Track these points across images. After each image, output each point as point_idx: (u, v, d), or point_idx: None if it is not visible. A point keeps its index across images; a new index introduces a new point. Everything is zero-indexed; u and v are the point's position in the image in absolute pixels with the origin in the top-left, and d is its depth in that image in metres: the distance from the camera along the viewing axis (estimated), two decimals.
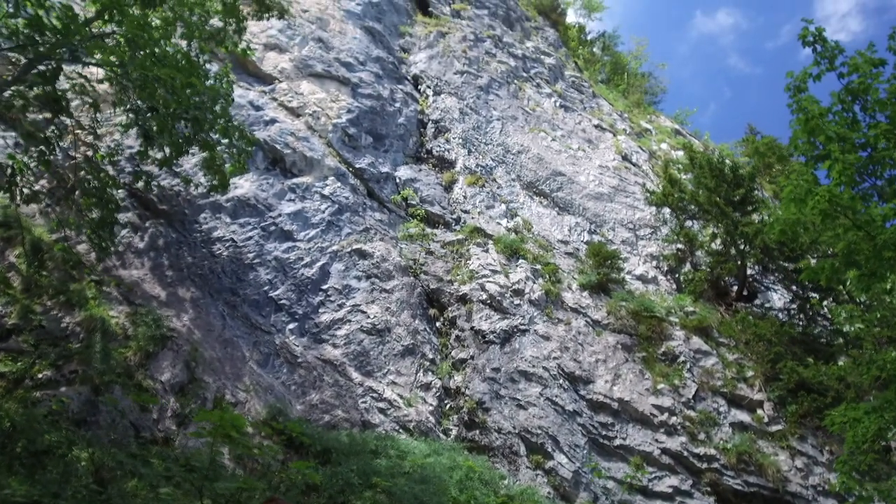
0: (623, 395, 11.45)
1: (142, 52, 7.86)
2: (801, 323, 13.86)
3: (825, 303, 14.01)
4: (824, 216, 7.90)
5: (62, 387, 7.52)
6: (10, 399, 6.88)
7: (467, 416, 10.51)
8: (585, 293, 13.25)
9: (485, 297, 12.36)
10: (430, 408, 10.65)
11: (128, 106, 8.26)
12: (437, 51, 19.33)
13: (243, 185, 12.37)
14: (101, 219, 9.17)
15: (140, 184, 10.46)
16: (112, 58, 7.99)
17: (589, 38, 33.14)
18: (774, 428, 11.76)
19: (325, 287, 11.71)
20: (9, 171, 9.68)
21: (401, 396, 10.60)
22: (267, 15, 10.36)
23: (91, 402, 7.53)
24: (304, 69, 15.58)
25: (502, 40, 22.15)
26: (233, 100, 10.14)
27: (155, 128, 8.01)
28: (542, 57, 23.39)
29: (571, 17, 34.76)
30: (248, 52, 10.43)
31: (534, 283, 12.92)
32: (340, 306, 11.56)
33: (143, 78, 6.40)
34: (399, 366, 11.06)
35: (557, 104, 20.98)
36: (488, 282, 12.62)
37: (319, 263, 11.98)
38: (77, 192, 10.75)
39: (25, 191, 9.91)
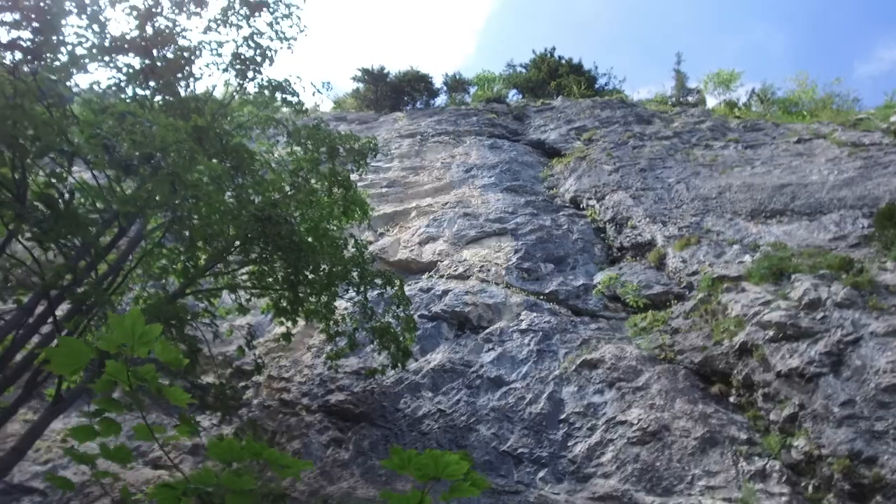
0: None
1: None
2: None
3: None
4: None
5: None
6: None
7: (845, 482, 6.42)
8: None
9: (772, 333, 8.71)
10: (784, 499, 6.75)
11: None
12: (583, 169, 18.09)
13: (435, 358, 10.92)
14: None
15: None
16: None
17: (741, 103, 30.20)
18: None
19: (562, 417, 9.05)
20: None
21: (729, 501, 6.92)
22: (364, 163, 10.01)
23: None
24: (460, 241, 14.97)
25: (644, 133, 20.51)
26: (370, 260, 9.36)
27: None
28: (697, 126, 21.08)
29: (712, 102, 32.43)
30: (368, 207, 9.96)
31: (828, 287, 9.05)
32: (592, 429, 8.69)
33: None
34: (705, 465, 7.53)
35: (739, 147, 17.96)
36: (766, 315, 9.05)
37: (545, 395, 9.51)
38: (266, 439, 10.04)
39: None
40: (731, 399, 8.66)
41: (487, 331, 11.44)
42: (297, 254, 6.69)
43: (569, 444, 8.54)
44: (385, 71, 31.41)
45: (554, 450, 8.48)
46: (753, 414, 8.16)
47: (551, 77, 31.38)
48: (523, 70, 33.41)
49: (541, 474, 8.14)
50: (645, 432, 8.19)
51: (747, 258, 11.30)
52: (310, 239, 7.07)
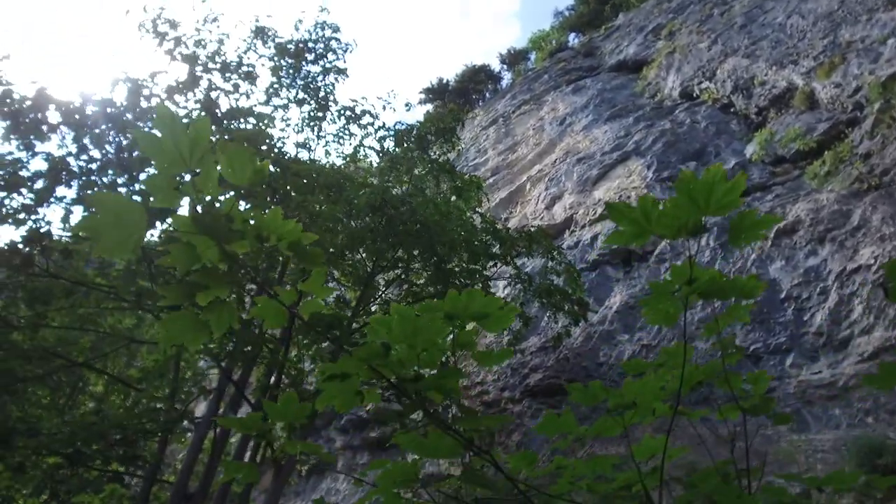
0: None
1: None
2: None
3: None
4: None
5: None
6: None
7: None
8: None
9: None
10: None
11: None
12: (678, 61, 16.51)
13: (614, 301, 10.13)
14: None
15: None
16: None
17: None
18: None
19: (783, 296, 7.86)
20: None
21: None
22: (455, 139, 9.57)
23: None
24: (586, 186, 14.09)
25: None
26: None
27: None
28: None
29: None
30: (480, 180, 9.49)
31: None
32: (823, 292, 7.45)
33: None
34: None
35: None
36: None
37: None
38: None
39: None
40: None
41: (656, 253, 10.47)
42: (429, 235, 6.34)
43: (804, 318, 7.36)
44: (444, 81, 31.44)
45: (791, 331, 7.34)
46: None
47: (602, 3, 29.60)
48: (571, 12, 31.89)
49: (788, 361, 7.04)
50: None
51: None
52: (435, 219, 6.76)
